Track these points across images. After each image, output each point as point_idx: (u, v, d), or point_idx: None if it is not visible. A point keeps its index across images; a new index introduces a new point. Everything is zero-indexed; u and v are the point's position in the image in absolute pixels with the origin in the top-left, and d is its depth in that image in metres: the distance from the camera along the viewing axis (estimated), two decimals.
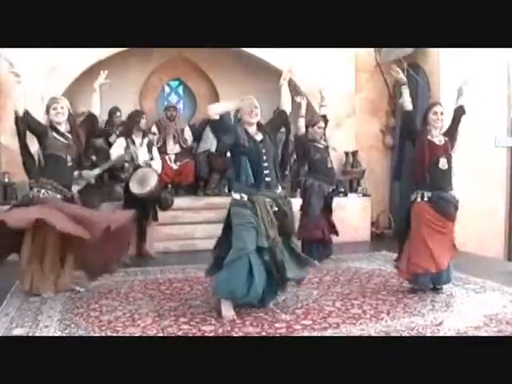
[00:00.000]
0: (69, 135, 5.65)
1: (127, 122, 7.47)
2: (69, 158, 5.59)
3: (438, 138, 5.54)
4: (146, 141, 7.29)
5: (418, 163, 5.52)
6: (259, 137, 4.94)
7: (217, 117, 4.94)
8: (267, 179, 4.83)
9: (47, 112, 5.62)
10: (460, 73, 8.12)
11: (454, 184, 5.58)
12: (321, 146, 7.04)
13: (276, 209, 4.81)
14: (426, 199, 5.44)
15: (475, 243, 8.29)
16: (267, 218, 4.71)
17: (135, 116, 7.38)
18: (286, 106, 5.28)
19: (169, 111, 9.15)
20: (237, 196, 4.82)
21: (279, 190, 4.97)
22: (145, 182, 6.95)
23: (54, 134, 5.55)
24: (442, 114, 5.54)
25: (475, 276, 6.15)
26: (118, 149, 7.15)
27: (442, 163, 5.45)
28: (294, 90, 9.19)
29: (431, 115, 5.55)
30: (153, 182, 6.93)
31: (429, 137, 5.52)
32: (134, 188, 6.90)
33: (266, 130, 5.02)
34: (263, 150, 4.86)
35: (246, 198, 4.76)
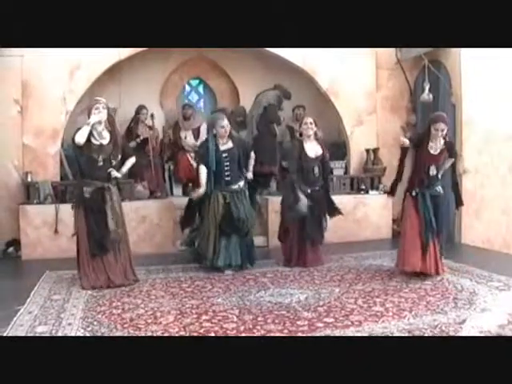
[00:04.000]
0: (106, 134, 5.85)
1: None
2: (100, 158, 5.79)
3: (434, 148, 6.05)
4: None
5: (414, 170, 6.25)
6: (228, 146, 6.66)
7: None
8: (227, 178, 6.58)
9: (89, 114, 5.73)
10: (481, 70, 8.11)
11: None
12: (311, 156, 6.78)
13: (228, 200, 6.50)
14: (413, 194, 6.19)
15: (499, 240, 8.22)
16: (215, 205, 6.50)
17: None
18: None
19: (184, 109, 9.22)
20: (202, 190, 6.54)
21: (237, 185, 6.63)
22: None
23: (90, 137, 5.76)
24: (442, 130, 5.93)
25: (499, 273, 6.07)
26: None
27: (432, 170, 6.07)
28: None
29: (433, 130, 5.95)
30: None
31: (428, 148, 6.05)
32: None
33: (235, 139, 6.85)
34: (227, 158, 6.58)
35: (208, 191, 6.54)
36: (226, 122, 6.64)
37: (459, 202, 6.47)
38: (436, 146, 6.03)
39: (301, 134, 7.00)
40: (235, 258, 6.55)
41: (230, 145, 6.67)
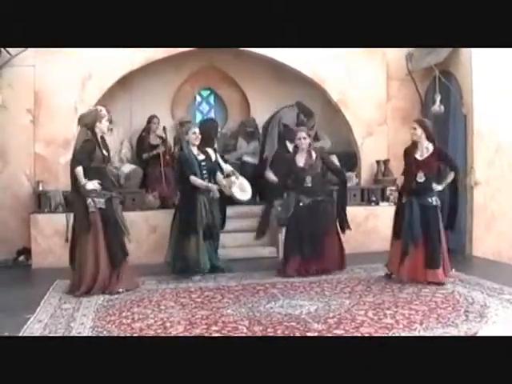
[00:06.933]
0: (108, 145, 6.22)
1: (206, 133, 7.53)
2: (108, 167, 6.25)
3: (420, 152, 6.33)
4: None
5: (405, 179, 6.51)
6: (201, 157, 6.90)
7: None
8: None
9: (98, 122, 5.99)
10: (492, 80, 8.08)
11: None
12: (300, 165, 6.96)
13: (207, 206, 6.73)
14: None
15: (510, 253, 8.16)
16: (202, 210, 6.68)
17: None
18: None
19: (183, 126, 9.25)
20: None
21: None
22: (246, 189, 7.28)
23: (98, 149, 6.00)
24: (414, 129, 6.36)
25: (510, 286, 6.02)
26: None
27: (419, 177, 6.25)
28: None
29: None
30: (249, 188, 7.36)
31: (415, 155, 6.33)
32: (239, 195, 7.17)
33: (206, 153, 7.02)
34: (204, 166, 6.85)
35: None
36: (197, 130, 6.92)
37: (451, 225, 6.56)
38: (422, 152, 6.28)
39: (296, 146, 7.16)
40: (216, 261, 7.09)
41: (202, 156, 6.91)
